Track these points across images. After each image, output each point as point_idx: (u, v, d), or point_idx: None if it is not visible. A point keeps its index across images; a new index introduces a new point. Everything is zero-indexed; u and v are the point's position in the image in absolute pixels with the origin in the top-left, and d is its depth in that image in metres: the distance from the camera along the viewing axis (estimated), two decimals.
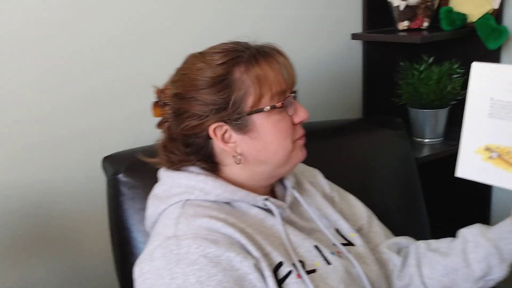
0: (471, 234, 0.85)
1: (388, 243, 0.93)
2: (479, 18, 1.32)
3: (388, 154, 1.23)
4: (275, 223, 0.79)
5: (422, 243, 0.92)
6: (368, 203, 1.15)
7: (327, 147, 1.19)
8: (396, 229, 1.06)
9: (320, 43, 1.47)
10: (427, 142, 1.42)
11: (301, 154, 0.83)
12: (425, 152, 1.38)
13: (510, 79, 0.81)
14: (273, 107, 0.77)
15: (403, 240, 0.95)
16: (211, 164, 0.81)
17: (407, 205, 1.23)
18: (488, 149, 0.85)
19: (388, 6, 1.40)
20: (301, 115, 0.81)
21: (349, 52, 1.51)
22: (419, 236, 0.99)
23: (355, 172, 1.18)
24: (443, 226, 1.51)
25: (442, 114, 1.39)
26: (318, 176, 0.97)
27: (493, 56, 1.38)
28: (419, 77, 1.36)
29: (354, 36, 1.46)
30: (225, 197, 0.77)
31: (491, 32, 1.30)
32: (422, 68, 1.37)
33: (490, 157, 0.85)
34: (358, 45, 1.51)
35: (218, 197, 0.77)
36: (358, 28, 1.50)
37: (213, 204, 0.77)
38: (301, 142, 0.83)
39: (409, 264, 0.89)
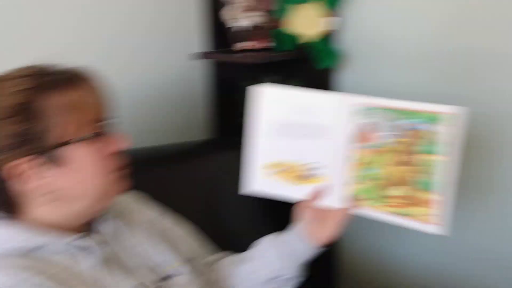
0: (264, 241, 0.91)
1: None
2: (314, 39, 1.38)
3: (233, 175, 1.21)
4: (88, 265, 0.70)
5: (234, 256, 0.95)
6: (215, 225, 1.13)
7: (171, 172, 1.15)
8: (242, 251, 1.05)
9: (162, 65, 1.42)
10: None
11: (121, 186, 0.76)
12: None
13: (290, 101, 0.87)
14: (88, 137, 0.69)
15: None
16: (10, 208, 0.69)
17: (253, 226, 1.22)
18: (272, 165, 0.89)
19: (228, 26, 1.40)
20: (120, 143, 0.74)
21: (192, 72, 1.48)
22: None
23: (201, 195, 1.16)
24: None
25: None
26: (143, 200, 0.92)
27: (327, 75, 1.44)
28: None
29: (194, 56, 1.43)
30: (22, 247, 0.67)
31: (324, 52, 1.37)
32: None
33: (276, 173, 0.88)
34: (200, 65, 1.49)
35: (14, 246, 0.66)
36: (199, 48, 1.48)
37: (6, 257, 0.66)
38: (121, 175, 0.76)
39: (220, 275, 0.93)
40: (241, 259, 0.94)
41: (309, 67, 1.46)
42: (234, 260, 0.95)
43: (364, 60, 1.40)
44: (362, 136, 0.82)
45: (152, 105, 1.42)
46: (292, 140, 0.87)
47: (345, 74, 1.45)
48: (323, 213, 0.86)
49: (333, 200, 0.85)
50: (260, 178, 0.89)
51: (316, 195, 0.85)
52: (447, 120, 0.75)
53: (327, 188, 0.85)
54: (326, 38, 1.38)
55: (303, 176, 0.87)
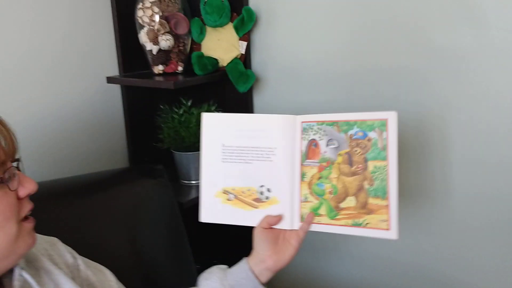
0: (211, 286, 0.85)
1: None
2: (229, 63, 1.40)
3: (152, 205, 1.18)
4: None
5: None
6: (134, 256, 1.08)
7: (85, 205, 1.08)
8: (165, 279, 1.01)
9: (74, 90, 1.36)
10: (194, 183, 1.42)
11: (30, 239, 0.69)
12: (193, 194, 1.38)
13: (236, 126, 0.88)
14: None
15: None
16: None
17: (175, 252, 1.19)
18: (225, 192, 0.88)
19: (146, 50, 1.38)
20: (28, 187, 0.68)
21: (107, 96, 1.44)
22: (186, 280, 0.96)
23: (119, 227, 1.10)
24: (219, 262, 1.54)
25: None
26: (58, 245, 0.85)
27: (246, 97, 1.47)
28: (179, 121, 1.36)
29: (110, 80, 1.39)
30: None
31: (240, 76, 1.38)
32: (181, 111, 1.37)
33: (228, 199, 0.88)
34: (116, 89, 1.45)
35: None
36: (114, 71, 1.44)
37: None
38: (30, 225, 0.69)
39: None
40: None
41: (226, 90, 1.47)
42: None
43: (274, 81, 1.45)
44: (311, 152, 0.84)
45: (67, 133, 1.36)
46: (242, 164, 0.87)
47: (258, 95, 1.49)
48: (280, 236, 0.86)
49: (288, 221, 0.86)
50: (213, 207, 0.89)
51: (270, 218, 0.85)
52: (383, 125, 0.78)
53: (280, 210, 0.85)
54: (241, 62, 1.40)
55: (256, 200, 0.87)
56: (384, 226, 0.79)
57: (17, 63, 1.25)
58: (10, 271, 0.71)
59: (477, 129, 1.14)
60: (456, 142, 1.18)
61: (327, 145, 0.82)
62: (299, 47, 1.37)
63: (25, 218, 0.69)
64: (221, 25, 1.39)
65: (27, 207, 0.69)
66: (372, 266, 1.39)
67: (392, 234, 0.79)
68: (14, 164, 0.67)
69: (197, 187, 1.41)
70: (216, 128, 0.89)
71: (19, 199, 0.67)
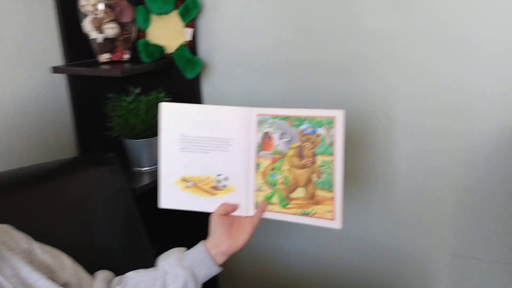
0: (170, 265, 0.91)
1: (97, 285, 0.91)
2: (176, 50, 1.42)
3: (104, 192, 1.19)
4: None
5: (129, 280, 0.92)
6: (89, 246, 1.10)
7: (35, 196, 1.08)
8: (122, 266, 1.04)
9: (16, 80, 1.33)
10: (145, 170, 1.44)
11: None
12: (146, 180, 1.40)
13: (194, 116, 0.91)
14: None
15: (109, 276, 0.95)
16: None
17: (130, 238, 1.21)
18: (184, 179, 0.92)
19: (90, 38, 1.37)
20: None
21: (53, 87, 1.41)
22: (143, 265, 0.98)
23: (72, 218, 1.11)
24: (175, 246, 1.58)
25: (156, 142, 1.43)
26: (11, 232, 0.86)
27: (194, 84, 1.49)
28: (128, 108, 1.37)
29: (55, 70, 1.37)
30: None
31: (187, 62, 1.41)
32: (130, 99, 1.38)
33: (187, 187, 0.92)
34: (61, 79, 1.43)
35: None
36: (58, 61, 1.42)
37: None
38: None
39: None
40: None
41: (173, 77, 1.49)
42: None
43: (221, 68, 1.49)
44: (265, 144, 0.89)
45: (12, 124, 1.33)
46: (200, 153, 0.90)
47: (206, 82, 1.52)
48: (235, 222, 0.91)
49: (243, 209, 0.91)
50: (172, 193, 0.92)
51: (227, 205, 0.90)
52: (330, 122, 0.84)
53: (236, 198, 0.90)
54: (187, 49, 1.42)
55: (213, 188, 0.91)
56: (329, 216, 0.86)
57: None
58: None
59: (418, 116, 1.23)
60: (398, 129, 1.27)
61: (280, 138, 0.88)
62: (244, 34, 1.41)
63: None
64: (166, 12, 1.40)
65: None
66: (324, 243, 1.48)
67: (336, 224, 0.86)
68: None
69: (149, 173, 1.44)
70: (175, 117, 0.91)
71: None
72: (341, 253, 1.46)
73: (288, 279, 1.59)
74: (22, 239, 0.86)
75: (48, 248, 0.90)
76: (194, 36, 1.45)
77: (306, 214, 0.87)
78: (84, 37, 1.37)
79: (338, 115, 0.84)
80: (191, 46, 1.45)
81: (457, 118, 1.19)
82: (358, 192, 1.37)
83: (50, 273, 0.85)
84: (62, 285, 0.83)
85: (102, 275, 0.95)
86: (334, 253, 1.48)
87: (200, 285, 0.91)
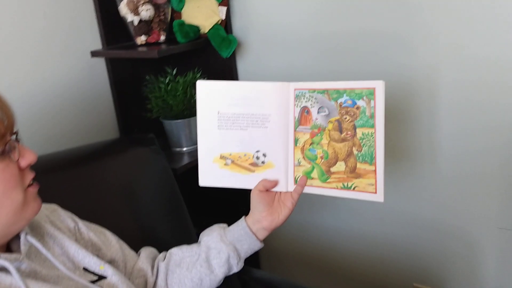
0: (212, 241, 0.92)
1: (142, 261, 0.94)
2: (210, 29, 1.42)
3: (147, 172, 1.22)
4: (12, 281, 0.69)
5: (173, 256, 0.95)
6: (134, 223, 1.14)
7: (81, 176, 1.12)
8: (165, 243, 1.07)
9: (57, 65, 1.37)
10: (185, 150, 1.47)
11: (36, 204, 0.74)
12: (186, 160, 1.43)
13: (231, 94, 0.91)
14: None
15: (153, 252, 0.99)
16: None
17: (173, 216, 1.25)
18: (222, 157, 0.93)
19: (126, 21, 1.39)
20: (28, 158, 0.72)
21: (92, 70, 1.45)
22: (185, 242, 1.01)
23: (116, 196, 1.15)
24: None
25: (194, 122, 1.45)
26: (58, 211, 0.90)
27: (229, 63, 1.49)
28: (166, 90, 1.39)
29: (94, 54, 1.40)
30: None
31: (222, 41, 1.41)
32: (167, 80, 1.40)
33: (226, 164, 0.93)
34: (101, 62, 1.46)
35: None
36: (97, 45, 1.45)
37: None
38: (34, 190, 0.74)
39: (158, 285, 0.92)
40: (189, 263, 0.93)
41: (209, 56, 1.50)
42: (178, 263, 0.94)
43: (256, 45, 1.48)
44: (303, 119, 0.88)
45: (56, 108, 1.38)
46: (238, 130, 0.90)
47: (241, 60, 1.52)
48: (275, 198, 0.91)
49: (283, 184, 0.91)
50: (211, 171, 0.92)
51: (266, 181, 0.90)
52: (371, 93, 0.82)
53: (276, 174, 0.90)
54: (222, 27, 1.42)
55: (252, 164, 0.91)
56: (371, 190, 0.84)
57: (3, 43, 1.26)
58: (17, 237, 0.76)
59: (463, 89, 1.19)
60: (443, 103, 1.22)
61: (318, 112, 0.86)
62: (278, 10, 1.39)
63: (29, 185, 0.74)
64: None
65: (29, 176, 0.74)
66: (367, 218, 1.47)
67: (378, 197, 0.84)
68: (13, 137, 0.72)
69: (188, 153, 1.46)
70: (211, 95, 0.91)
71: (20, 169, 0.72)
72: (384, 228, 1.45)
73: (330, 256, 1.59)
74: (68, 218, 0.90)
75: (94, 226, 0.94)
76: (228, 14, 1.45)
77: (347, 188, 0.86)
78: (121, 20, 1.39)
79: (378, 86, 0.82)
80: (226, 24, 1.44)
81: (505, 93, 1.14)
82: (402, 167, 1.34)
83: (96, 251, 0.89)
84: (107, 261, 0.86)
85: (147, 251, 0.97)
86: (378, 228, 1.46)
87: (242, 260, 0.93)
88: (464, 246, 1.32)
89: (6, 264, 0.70)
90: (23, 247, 0.75)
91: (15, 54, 1.28)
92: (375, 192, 0.84)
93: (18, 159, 0.71)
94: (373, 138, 0.83)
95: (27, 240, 0.76)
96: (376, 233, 1.47)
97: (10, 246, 0.76)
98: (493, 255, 1.28)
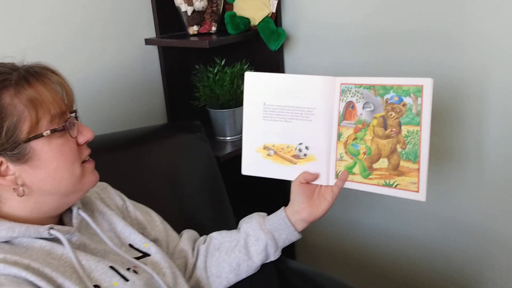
0: (251, 228, 0.95)
1: (184, 242, 0.98)
2: (260, 22, 1.44)
3: (192, 158, 1.27)
4: (64, 251, 0.75)
5: (213, 240, 0.98)
6: (177, 206, 1.18)
7: (130, 157, 1.18)
8: (207, 227, 1.11)
9: (114, 51, 1.43)
10: (229, 140, 1.50)
11: (93, 177, 0.80)
12: (228, 149, 1.46)
13: (277, 86, 0.93)
14: (53, 131, 0.72)
15: (194, 235, 1.02)
16: None
17: (214, 202, 1.29)
18: (266, 147, 0.95)
19: (180, 11, 1.43)
20: (86, 135, 0.77)
21: (146, 57, 1.51)
22: (225, 227, 1.04)
23: (162, 179, 1.20)
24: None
25: (239, 113, 1.48)
26: (108, 189, 0.95)
27: (277, 56, 1.51)
28: (214, 79, 1.43)
29: (148, 42, 1.46)
30: (1, 236, 0.71)
31: (271, 34, 1.43)
32: (215, 70, 1.43)
33: (268, 155, 0.95)
34: (153, 50, 1.52)
35: None
36: (151, 33, 1.50)
37: None
38: (91, 165, 0.80)
39: (198, 267, 0.96)
40: (228, 248, 0.95)
41: (258, 48, 1.52)
42: (218, 246, 0.96)
43: (304, 40, 1.48)
44: (348, 114, 0.89)
45: (110, 92, 1.44)
46: (282, 122, 0.92)
47: (289, 54, 1.53)
48: (316, 190, 0.93)
49: (324, 178, 0.92)
50: (254, 161, 0.95)
51: (308, 174, 0.91)
52: (418, 91, 0.82)
53: (317, 167, 0.91)
54: (272, 20, 1.44)
55: (294, 156, 0.93)
56: (413, 188, 0.83)
57: (70, 30, 1.34)
58: (69, 211, 0.82)
59: None
60: (491, 106, 1.20)
61: (364, 107, 0.87)
62: (329, 6, 1.40)
63: (84, 162, 0.79)
64: None
65: (86, 152, 0.79)
66: (406, 219, 1.46)
67: (421, 196, 0.83)
68: (73, 115, 0.77)
69: (232, 142, 1.49)
70: (258, 87, 0.93)
71: (78, 145, 0.77)
72: (422, 229, 1.43)
73: (365, 254, 1.59)
74: (117, 196, 0.95)
75: (140, 206, 0.98)
76: (279, 8, 1.46)
77: (389, 185, 0.85)
78: (175, 10, 1.43)
79: (427, 84, 0.81)
80: (276, 18, 1.46)
81: None
82: (445, 168, 1.32)
83: (141, 229, 0.93)
84: (151, 240, 0.90)
85: (188, 234, 1.01)
86: (416, 231, 1.45)
87: (279, 249, 0.95)
88: (503, 252, 1.29)
89: (59, 235, 0.74)
90: (75, 220, 0.80)
91: (78, 39, 1.36)
92: (418, 191, 0.83)
93: (76, 136, 0.76)
94: (418, 136, 0.82)
95: (79, 214, 0.81)
96: (413, 233, 1.45)
97: (62, 219, 0.82)
98: None
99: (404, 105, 0.83)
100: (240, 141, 1.52)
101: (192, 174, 1.24)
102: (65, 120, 0.74)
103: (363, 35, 1.36)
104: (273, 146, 0.94)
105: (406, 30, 1.27)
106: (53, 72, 0.76)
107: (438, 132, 1.27)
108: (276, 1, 1.43)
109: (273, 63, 1.53)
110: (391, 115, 0.85)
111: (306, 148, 0.92)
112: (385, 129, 0.85)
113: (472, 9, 1.16)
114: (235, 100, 1.45)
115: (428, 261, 1.44)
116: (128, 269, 0.79)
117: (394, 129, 0.84)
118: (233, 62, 1.47)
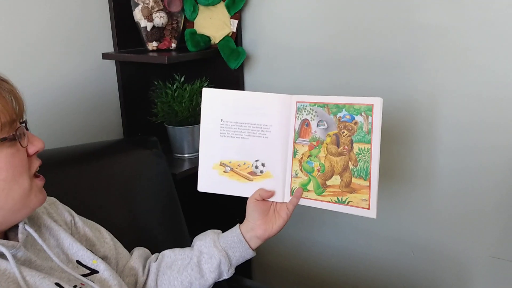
0: (205, 245, 0.93)
1: (134, 260, 0.95)
2: (221, 40, 1.45)
3: (147, 174, 1.24)
4: (7, 267, 0.71)
5: (165, 257, 0.96)
6: (130, 223, 1.15)
7: (82, 172, 1.14)
8: (159, 245, 1.08)
9: (70, 64, 1.41)
10: (187, 157, 1.49)
11: (41, 195, 0.77)
12: (186, 166, 1.45)
13: (235, 103, 0.93)
14: (3, 139, 0.69)
15: (146, 253, 1.00)
16: None
17: (169, 220, 1.26)
18: (222, 164, 0.95)
19: (140, 26, 1.42)
20: (36, 145, 0.75)
21: (103, 72, 1.48)
22: (179, 245, 1.02)
23: (115, 195, 1.16)
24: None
25: (198, 130, 1.46)
26: (56, 204, 0.92)
27: (237, 74, 1.52)
28: (172, 96, 1.42)
29: (105, 56, 1.43)
30: None
31: (231, 53, 1.44)
32: (174, 87, 1.42)
33: (225, 171, 0.94)
34: (111, 64, 1.50)
35: None
36: (109, 48, 1.48)
37: None
38: (41, 183, 0.76)
39: (148, 285, 0.94)
40: (180, 266, 0.93)
41: (217, 66, 1.52)
42: (170, 265, 0.95)
43: (264, 59, 1.51)
44: (303, 131, 0.90)
45: (65, 105, 1.41)
46: (239, 139, 0.92)
47: (248, 72, 1.55)
48: (271, 207, 0.93)
49: (280, 195, 0.92)
50: (210, 178, 0.94)
51: (263, 191, 0.91)
52: (369, 110, 0.84)
53: (273, 184, 0.92)
54: (232, 39, 1.45)
55: (251, 173, 0.93)
56: (364, 205, 0.85)
57: (26, 42, 1.31)
58: (15, 226, 0.78)
59: (465, 109, 1.20)
60: (439, 129, 1.25)
61: (318, 125, 0.88)
62: (288, 28, 1.43)
63: (36, 176, 0.76)
64: (213, 3, 1.43)
65: (36, 163, 0.76)
66: (356, 239, 1.48)
67: (371, 213, 0.85)
68: (23, 125, 0.74)
69: (189, 160, 1.48)
70: (216, 103, 0.93)
71: (28, 156, 0.74)
72: (373, 251, 1.46)
73: (319, 273, 1.60)
74: (66, 212, 0.91)
75: (90, 222, 0.95)
76: (239, 27, 1.48)
77: (342, 202, 0.87)
78: (134, 25, 1.42)
79: (376, 103, 0.84)
80: (236, 37, 1.48)
81: (504, 115, 1.16)
82: (396, 188, 1.35)
83: (90, 246, 0.90)
84: (100, 257, 0.87)
85: (139, 251, 0.99)
86: (366, 250, 1.47)
87: (233, 267, 0.93)
88: (455, 274, 1.33)
89: (4, 250, 0.71)
90: (20, 235, 0.76)
91: (35, 52, 1.33)
92: (368, 208, 0.85)
93: (27, 146, 0.73)
94: (369, 153, 0.84)
95: (25, 229, 0.78)
96: (365, 251, 1.48)
97: (7, 234, 0.78)
98: (482, 282, 1.29)
99: (355, 123, 0.85)
100: (198, 158, 1.52)
101: (147, 190, 1.22)
102: (15, 129, 0.71)
103: (319, 58, 1.39)
104: (230, 162, 0.94)
105: (358, 55, 1.32)
106: (3, 80, 0.73)
107: (390, 151, 1.31)
108: (237, 21, 1.45)
109: (233, 81, 1.54)
110: (343, 133, 0.86)
111: (263, 165, 0.92)
112: (338, 146, 0.87)
113: (419, 34, 1.22)
114: (194, 117, 1.44)
115: (382, 278, 1.47)
116: (75, 286, 0.76)
117: (346, 147, 0.86)
118: (193, 79, 1.47)
